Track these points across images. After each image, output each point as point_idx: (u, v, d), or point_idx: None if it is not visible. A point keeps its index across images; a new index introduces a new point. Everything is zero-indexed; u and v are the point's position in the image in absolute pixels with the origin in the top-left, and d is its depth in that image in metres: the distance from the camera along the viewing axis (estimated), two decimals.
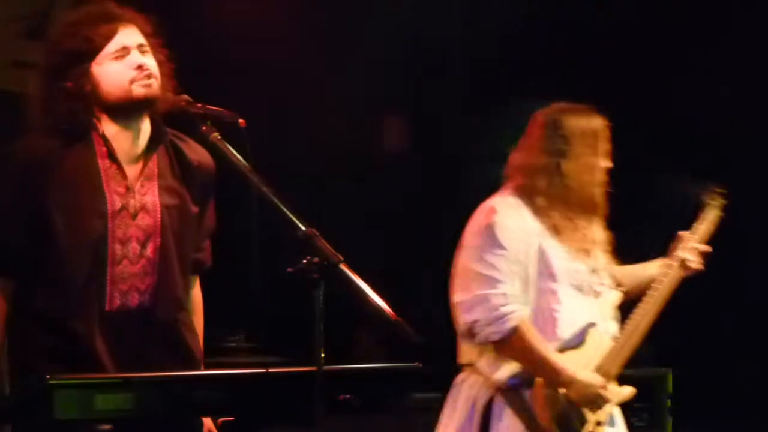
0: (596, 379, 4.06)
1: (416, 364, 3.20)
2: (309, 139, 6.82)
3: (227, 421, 3.27)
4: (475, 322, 3.99)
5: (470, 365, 4.14)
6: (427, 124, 7.31)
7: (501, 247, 4.01)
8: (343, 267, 2.99)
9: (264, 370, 3.10)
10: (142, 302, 3.52)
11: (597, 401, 4.06)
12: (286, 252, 2.99)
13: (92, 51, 3.52)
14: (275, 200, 3.11)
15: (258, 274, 3.49)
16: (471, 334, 4.02)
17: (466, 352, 4.16)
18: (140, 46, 3.56)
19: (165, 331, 3.55)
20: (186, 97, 3.50)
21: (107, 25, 3.53)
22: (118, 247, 3.50)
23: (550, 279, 4.07)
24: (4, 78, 5.65)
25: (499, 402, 4.05)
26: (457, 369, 4.25)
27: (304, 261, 2.97)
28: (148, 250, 3.53)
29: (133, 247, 3.52)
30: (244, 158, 3.24)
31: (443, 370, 4.30)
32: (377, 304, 2.97)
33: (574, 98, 4.26)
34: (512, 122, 4.33)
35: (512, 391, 4.05)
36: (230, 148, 3.28)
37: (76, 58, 3.52)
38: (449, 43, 7.17)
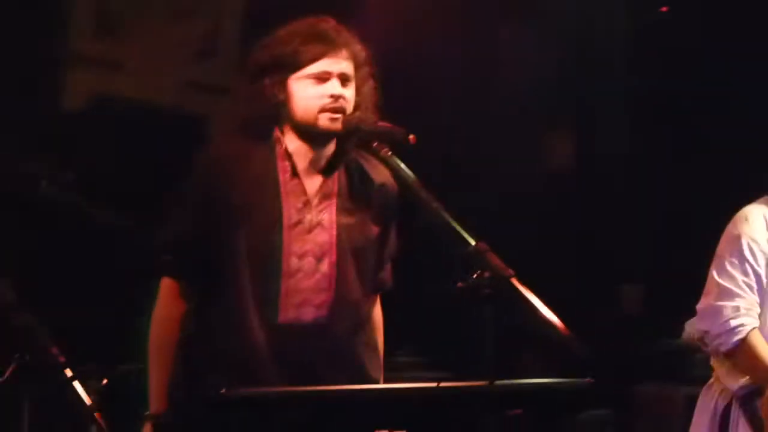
0: None
1: (588, 379, 3.16)
2: (476, 154, 6.81)
3: None
4: (706, 332, 4.08)
5: (715, 372, 4.22)
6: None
7: (744, 259, 4.07)
8: (514, 281, 2.96)
9: (435, 385, 3.07)
10: (318, 317, 3.51)
11: None
12: (455, 267, 2.98)
13: (295, 65, 3.54)
14: (445, 215, 3.11)
15: (427, 289, 3.50)
16: (703, 342, 4.13)
17: (713, 359, 4.24)
18: (343, 75, 3.54)
19: (340, 349, 3.55)
20: (357, 113, 3.54)
21: (318, 46, 3.53)
22: (294, 260, 3.50)
23: None
24: (178, 98, 5.76)
25: (736, 410, 4.11)
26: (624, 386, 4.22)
27: (474, 276, 2.96)
28: (325, 266, 3.53)
29: (309, 261, 3.52)
30: (413, 173, 3.26)
31: (612, 387, 4.25)
32: (549, 319, 2.94)
33: None
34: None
35: (746, 399, 4.09)
36: (400, 163, 3.31)
37: (278, 66, 3.55)
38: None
